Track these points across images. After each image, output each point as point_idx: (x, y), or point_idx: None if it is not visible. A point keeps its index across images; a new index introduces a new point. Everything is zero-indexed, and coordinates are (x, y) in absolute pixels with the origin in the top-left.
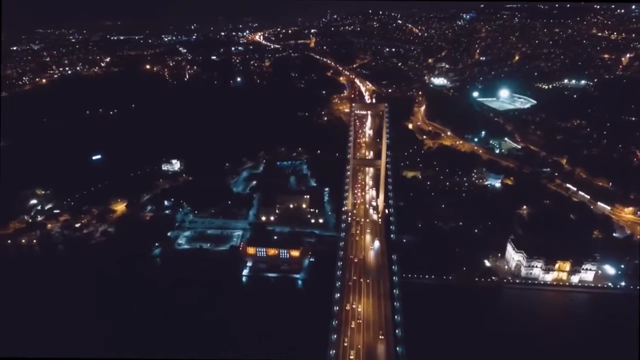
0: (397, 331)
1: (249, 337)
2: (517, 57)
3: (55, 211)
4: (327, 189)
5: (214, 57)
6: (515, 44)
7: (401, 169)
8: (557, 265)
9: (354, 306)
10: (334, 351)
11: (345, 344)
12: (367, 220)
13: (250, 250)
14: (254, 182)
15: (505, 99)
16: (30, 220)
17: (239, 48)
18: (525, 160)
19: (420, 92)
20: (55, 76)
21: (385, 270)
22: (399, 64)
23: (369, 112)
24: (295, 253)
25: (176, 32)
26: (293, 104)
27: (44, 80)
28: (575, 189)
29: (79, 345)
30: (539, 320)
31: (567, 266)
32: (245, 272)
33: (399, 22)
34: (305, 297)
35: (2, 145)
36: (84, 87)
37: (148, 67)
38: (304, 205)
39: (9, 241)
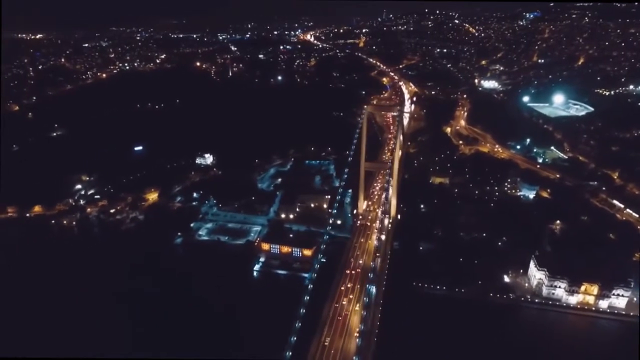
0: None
1: (246, 332)
2: (581, 60)
3: (96, 196)
4: (349, 190)
5: (261, 56)
6: (582, 46)
7: (429, 175)
8: (583, 287)
9: (337, 312)
10: (290, 353)
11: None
12: (375, 224)
13: (265, 246)
14: (280, 180)
15: (559, 105)
16: (73, 204)
17: (287, 47)
18: (570, 171)
19: (465, 95)
20: (115, 71)
21: (383, 276)
22: (448, 65)
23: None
24: (308, 252)
25: (232, 30)
26: (330, 103)
27: (104, 75)
28: (622, 205)
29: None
30: (555, 345)
31: (594, 289)
32: (257, 267)
33: (456, 21)
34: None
35: (61, 134)
36: (137, 82)
37: (198, 64)
38: (324, 205)
39: (53, 221)
